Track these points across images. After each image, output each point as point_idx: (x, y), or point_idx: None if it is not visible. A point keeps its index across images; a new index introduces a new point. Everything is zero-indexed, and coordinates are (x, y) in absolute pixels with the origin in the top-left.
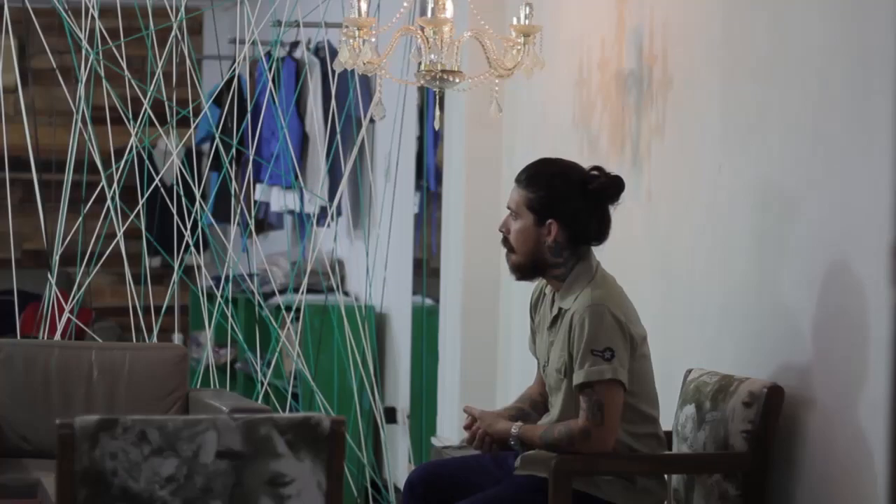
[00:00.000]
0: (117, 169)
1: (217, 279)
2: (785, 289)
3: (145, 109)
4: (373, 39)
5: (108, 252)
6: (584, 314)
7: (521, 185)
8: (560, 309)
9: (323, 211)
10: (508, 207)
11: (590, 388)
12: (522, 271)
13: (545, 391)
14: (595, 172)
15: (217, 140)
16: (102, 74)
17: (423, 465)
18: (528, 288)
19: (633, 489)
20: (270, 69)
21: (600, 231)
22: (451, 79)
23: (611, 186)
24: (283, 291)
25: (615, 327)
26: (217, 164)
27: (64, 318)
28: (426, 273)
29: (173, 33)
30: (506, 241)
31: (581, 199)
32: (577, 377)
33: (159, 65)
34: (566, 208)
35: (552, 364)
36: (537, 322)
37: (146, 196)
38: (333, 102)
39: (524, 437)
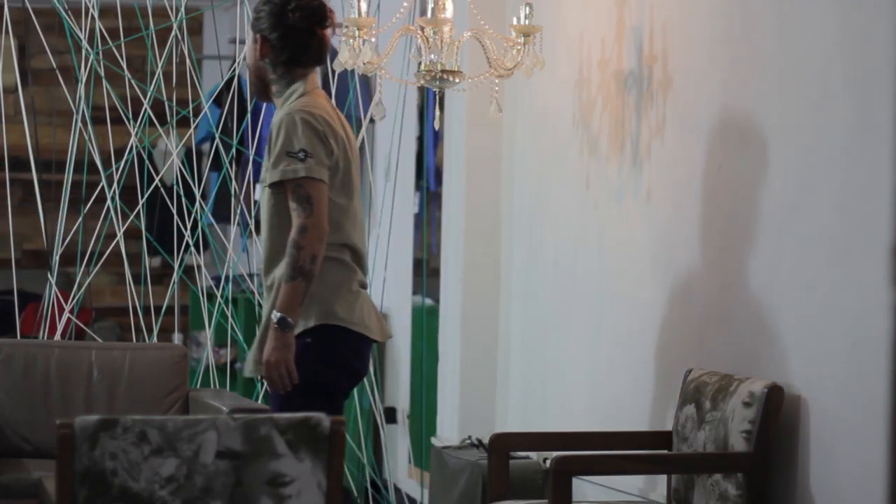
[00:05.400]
0: (117, 169)
1: (217, 279)
2: (785, 289)
3: (145, 109)
4: (373, 39)
5: (108, 252)
6: (280, 121)
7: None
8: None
9: None
10: None
11: (296, 185)
12: (254, 88)
13: None
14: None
15: (217, 140)
16: (102, 74)
17: None
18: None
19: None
20: None
21: (318, 53)
22: (451, 79)
23: (314, 13)
24: None
25: (310, 132)
26: (217, 164)
27: (64, 318)
28: (426, 273)
29: (173, 33)
30: None
31: (278, 20)
32: (272, 176)
33: (159, 65)
34: (266, 25)
35: (261, 180)
36: None
37: (146, 196)
38: (333, 102)
39: (283, 306)
